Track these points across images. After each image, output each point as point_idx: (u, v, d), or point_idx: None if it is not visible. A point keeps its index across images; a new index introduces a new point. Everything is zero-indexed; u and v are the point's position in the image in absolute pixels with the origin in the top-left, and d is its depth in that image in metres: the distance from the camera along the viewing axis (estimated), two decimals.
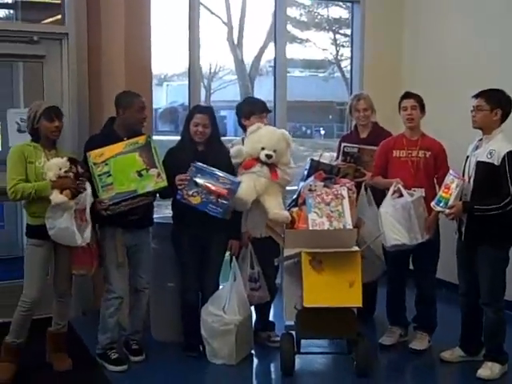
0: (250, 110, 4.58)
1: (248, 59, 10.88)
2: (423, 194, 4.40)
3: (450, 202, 4.09)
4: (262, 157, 4.33)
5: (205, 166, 4.18)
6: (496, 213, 3.96)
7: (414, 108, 4.53)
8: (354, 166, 4.90)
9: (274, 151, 4.33)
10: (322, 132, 11.81)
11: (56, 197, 3.79)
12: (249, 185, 4.29)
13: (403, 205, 4.34)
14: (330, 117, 10.86)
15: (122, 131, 4.19)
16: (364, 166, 4.91)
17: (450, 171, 4.21)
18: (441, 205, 4.15)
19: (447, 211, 4.10)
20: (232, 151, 4.41)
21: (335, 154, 5.16)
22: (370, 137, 5.06)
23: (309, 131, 12.35)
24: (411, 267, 4.78)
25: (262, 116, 4.58)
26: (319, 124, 11.98)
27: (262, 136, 4.37)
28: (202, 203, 4.14)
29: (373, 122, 5.15)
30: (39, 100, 4.34)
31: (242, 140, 4.55)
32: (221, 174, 4.17)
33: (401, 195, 4.38)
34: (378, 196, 4.64)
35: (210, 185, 4.14)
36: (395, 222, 4.33)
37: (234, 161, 4.39)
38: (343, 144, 5.01)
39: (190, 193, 4.15)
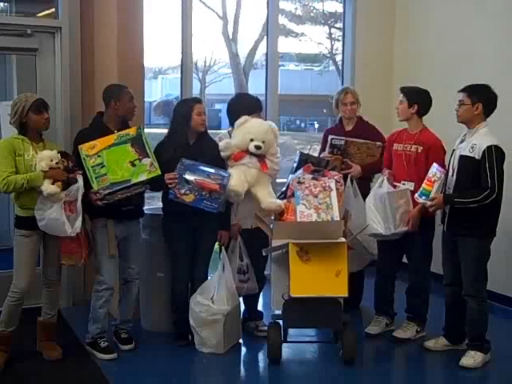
0: (254, 107, 4.61)
1: (243, 53, 10.90)
2: (411, 188, 4.46)
3: (432, 194, 4.17)
4: (252, 148, 4.38)
5: (192, 162, 4.22)
6: (476, 206, 4.04)
7: (400, 102, 4.61)
8: (341, 158, 4.96)
9: (263, 142, 4.40)
10: (316, 125, 11.87)
11: (48, 187, 3.84)
12: (240, 176, 4.34)
13: (380, 196, 4.46)
14: (324, 110, 10.89)
15: (112, 124, 4.24)
16: (350, 158, 4.98)
17: (434, 164, 4.28)
18: (423, 197, 4.23)
19: (428, 203, 4.18)
20: (221, 145, 4.46)
21: (319, 147, 5.23)
22: (355, 130, 5.13)
23: (303, 124, 12.42)
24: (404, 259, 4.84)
25: (259, 115, 4.64)
26: (313, 117, 12.03)
27: (251, 128, 4.43)
28: (195, 200, 4.19)
29: (358, 116, 5.21)
30: (30, 92, 4.31)
31: (229, 133, 4.63)
32: (210, 170, 4.22)
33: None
34: (364, 188, 4.73)
35: (200, 181, 4.19)
36: (376, 212, 4.45)
37: (222, 154, 4.44)
38: (330, 136, 5.06)
39: (183, 191, 4.19)
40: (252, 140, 4.38)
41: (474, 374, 4.17)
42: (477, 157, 4.07)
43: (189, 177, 4.19)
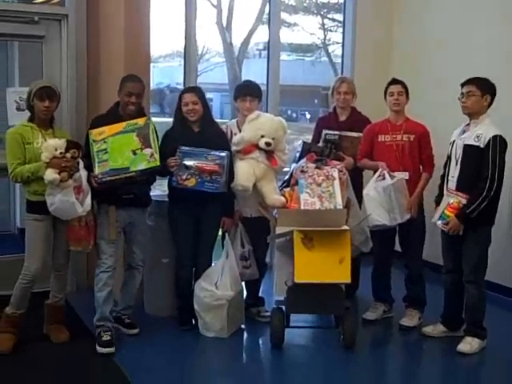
0: (237, 93, 4.76)
1: (236, 42, 10.89)
2: (406, 177, 4.59)
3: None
4: (262, 144, 4.48)
5: (190, 148, 4.33)
6: (487, 202, 4.14)
7: (400, 94, 4.70)
8: (334, 152, 4.98)
9: (273, 139, 4.50)
10: (308, 116, 11.92)
11: (49, 175, 3.89)
12: (248, 171, 4.46)
13: (384, 188, 4.54)
14: (316, 101, 10.94)
15: (124, 113, 4.31)
16: (343, 151, 5.00)
17: (452, 191, 4.34)
18: (442, 220, 4.32)
19: (446, 228, 4.28)
20: (234, 139, 4.56)
21: (310, 137, 5.34)
22: (349, 121, 5.20)
23: (294, 115, 12.46)
24: (398, 248, 4.94)
25: (245, 99, 4.68)
26: (305, 108, 12.07)
27: (262, 124, 4.54)
28: (197, 184, 4.31)
29: (352, 107, 5.27)
30: (38, 79, 4.41)
31: (237, 123, 4.74)
32: (207, 152, 4.32)
33: (384, 178, 4.57)
34: (356, 180, 4.85)
35: (200, 164, 4.30)
36: (377, 204, 4.54)
37: (235, 148, 4.52)
38: (325, 131, 5.09)
39: (184, 177, 4.31)
40: (263, 136, 4.48)
41: (471, 360, 4.29)
42: (482, 145, 4.18)
43: (188, 162, 4.30)
